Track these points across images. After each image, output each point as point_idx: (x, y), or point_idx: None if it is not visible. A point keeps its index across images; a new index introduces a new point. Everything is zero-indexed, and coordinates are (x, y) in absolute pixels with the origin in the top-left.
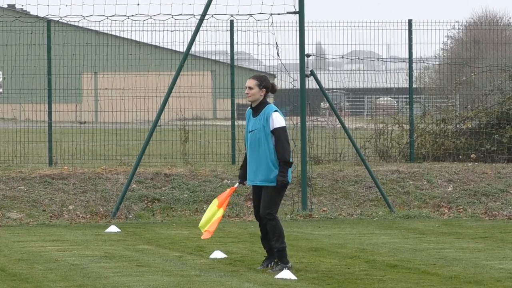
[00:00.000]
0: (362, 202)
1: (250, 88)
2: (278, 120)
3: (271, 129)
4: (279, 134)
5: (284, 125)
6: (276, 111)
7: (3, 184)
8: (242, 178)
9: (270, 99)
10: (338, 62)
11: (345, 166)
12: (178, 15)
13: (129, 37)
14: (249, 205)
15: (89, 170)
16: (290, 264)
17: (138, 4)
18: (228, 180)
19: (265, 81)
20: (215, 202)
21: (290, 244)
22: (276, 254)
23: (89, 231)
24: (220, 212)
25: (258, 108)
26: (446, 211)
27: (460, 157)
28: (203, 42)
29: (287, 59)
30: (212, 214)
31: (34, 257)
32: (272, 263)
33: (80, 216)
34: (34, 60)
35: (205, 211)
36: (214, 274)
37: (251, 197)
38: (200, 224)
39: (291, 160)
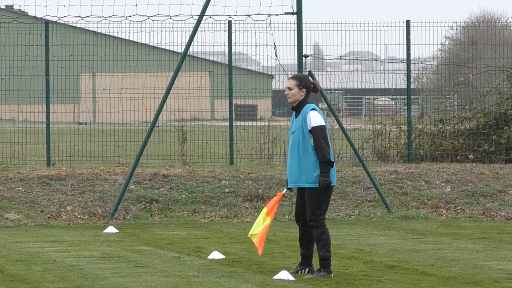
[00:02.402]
0: (360, 202)
1: (289, 88)
2: (315, 119)
3: (308, 128)
4: (317, 133)
5: (323, 124)
6: (313, 109)
7: (1, 185)
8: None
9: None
10: (336, 63)
11: (343, 166)
12: (176, 15)
13: (127, 38)
14: (247, 206)
15: (87, 170)
16: (332, 275)
17: (136, 5)
18: (226, 180)
19: (305, 81)
20: (264, 211)
21: (288, 245)
22: (320, 262)
23: (87, 232)
24: (268, 220)
25: (298, 108)
26: (444, 211)
27: (458, 157)
28: (201, 43)
29: (285, 60)
30: (261, 223)
31: (32, 258)
32: (304, 270)
33: (78, 217)
34: (32, 61)
35: (203, 211)
36: (212, 275)
37: (249, 198)
38: (249, 233)
39: (332, 159)
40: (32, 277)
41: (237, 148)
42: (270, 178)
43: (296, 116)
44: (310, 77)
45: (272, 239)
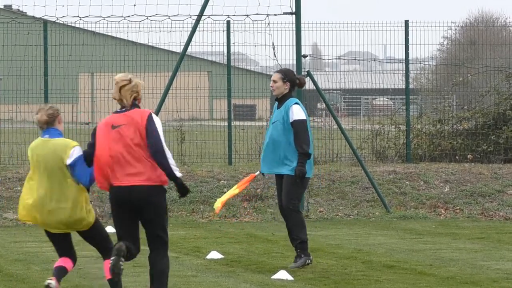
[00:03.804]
0: (358, 202)
1: (274, 81)
2: (297, 112)
3: (290, 121)
4: (298, 126)
5: (304, 118)
6: (296, 103)
7: (0, 184)
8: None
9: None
10: (334, 63)
11: (342, 166)
12: (174, 15)
13: (125, 38)
14: (245, 206)
15: None
16: (311, 258)
17: (134, 5)
18: (224, 180)
19: (289, 75)
20: (234, 187)
21: (287, 245)
22: (298, 246)
23: None
24: (236, 190)
25: (281, 100)
26: (443, 211)
27: (457, 157)
28: (199, 43)
29: (284, 60)
30: (227, 195)
31: (30, 257)
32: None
33: None
34: (30, 61)
35: (202, 211)
36: (211, 275)
37: (248, 197)
38: (214, 205)
39: (311, 151)
40: (31, 276)
41: (235, 148)
42: (269, 177)
43: (278, 107)
44: (295, 72)
45: (271, 239)
